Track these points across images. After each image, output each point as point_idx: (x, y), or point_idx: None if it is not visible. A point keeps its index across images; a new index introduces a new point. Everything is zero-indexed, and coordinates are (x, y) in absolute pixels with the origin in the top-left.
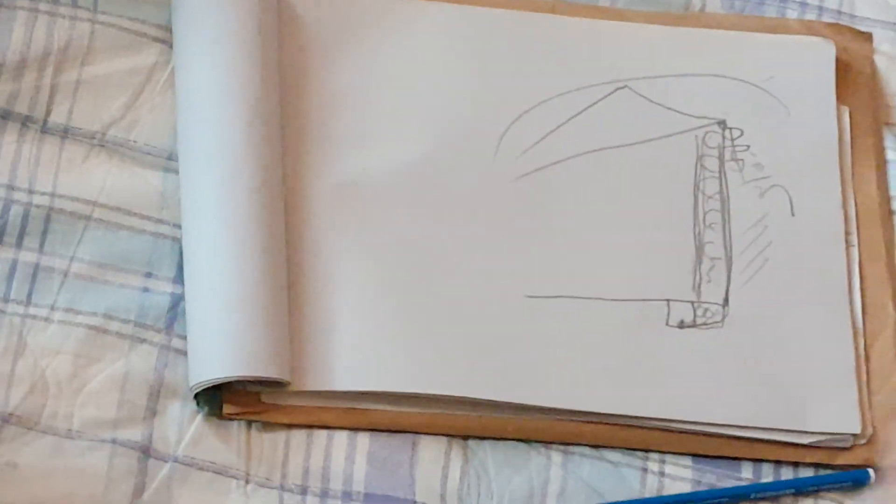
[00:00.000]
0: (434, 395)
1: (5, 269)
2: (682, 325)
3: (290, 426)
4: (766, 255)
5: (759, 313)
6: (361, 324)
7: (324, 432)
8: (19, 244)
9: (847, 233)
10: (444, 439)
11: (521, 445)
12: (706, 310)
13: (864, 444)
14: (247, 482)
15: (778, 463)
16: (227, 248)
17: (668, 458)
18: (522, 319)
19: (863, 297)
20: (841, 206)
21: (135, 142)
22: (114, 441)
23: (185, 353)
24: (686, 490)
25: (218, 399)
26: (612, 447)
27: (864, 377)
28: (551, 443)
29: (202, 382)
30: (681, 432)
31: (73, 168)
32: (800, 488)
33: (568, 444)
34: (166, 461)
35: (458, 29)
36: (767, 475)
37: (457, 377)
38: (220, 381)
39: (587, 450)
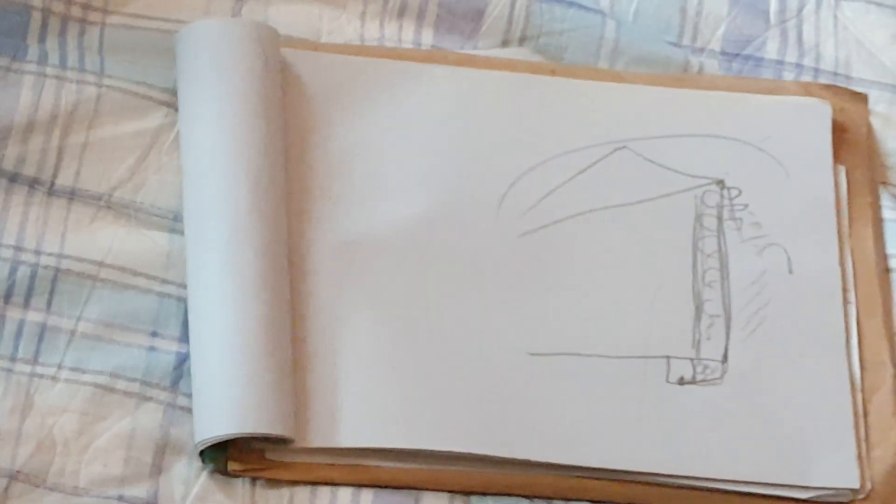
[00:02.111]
0: (437, 451)
1: (13, 329)
2: (681, 382)
3: (294, 483)
4: (765, 312)
5: (758, 370)
6: (365, 381)
7: (327, 489)
8: (27, 304)
9: (845, 290)
10: (446, 495)
11: (524, 501)
12: (706, 367)
13: (862, 500)
14: None
15: None
16: (231, 307)
17: None
18: (525, 376)
19: (861, 353)
20: (838, 263)
21: (141, 203)
22: (120, 498)
23: (190, 411)
24: None
25: (223, 456)
26: (614, 503)
27: (863, 432)
28: (554, 499)
29: (207, 439)
30: (682, 487)
31: (80, 229)
32: None
33: (570, 499)
34: None
35: (459, 91)
36: None
37: (460, 433)
38: (225, 439)
39: None
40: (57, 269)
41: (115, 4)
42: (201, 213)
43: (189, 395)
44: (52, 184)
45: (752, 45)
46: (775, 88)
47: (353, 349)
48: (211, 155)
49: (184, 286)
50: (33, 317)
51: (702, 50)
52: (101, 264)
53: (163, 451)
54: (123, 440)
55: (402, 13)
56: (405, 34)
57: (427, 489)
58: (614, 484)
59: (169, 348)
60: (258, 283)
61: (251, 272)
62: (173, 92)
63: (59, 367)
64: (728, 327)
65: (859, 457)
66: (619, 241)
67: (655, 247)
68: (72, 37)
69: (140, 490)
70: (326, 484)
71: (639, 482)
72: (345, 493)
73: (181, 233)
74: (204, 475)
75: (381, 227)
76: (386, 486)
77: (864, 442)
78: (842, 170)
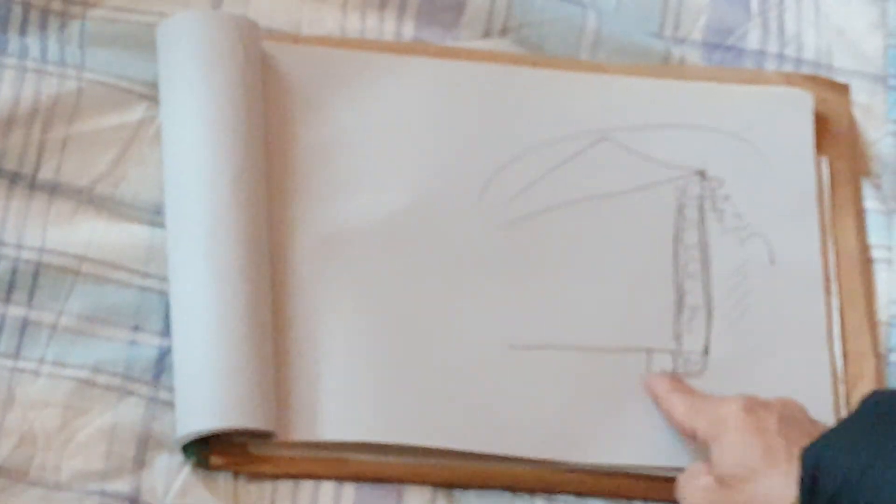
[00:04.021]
0: (419, 445)
1: None
2: None
3: (276, 476)
4: (747, 303)
5: (739, 361)
6: (346, 374)
7: (310, 482)
8: (8, 298)
9: (827, 281)
10: (429, 489)
11: (506, 494)
12: (687, 359)
13: None
14: None
15: None
16: (213, 301)
17: None
18: (505, 369)
19: (843, 343)
20: (820, 254)
21: (122, 197)
22: (102, 493)
23: (172, 405)
24: None
25: (205, 450)
26: (596, 495)
27: None
28: (536, 492)
29: (189, 434)
30: (665, 479)
31: (62, 223)
32: None
33: (553, 492)
34: None
35: (440, 82)
36: None
37: (441, 428)
38: (206, 433)
39: (571, 498)
40: (38, 263)
41: None
42: (182, 206)
43: (171, 389)
44: (34, 178)
45: (733, 36)
46: (757, 79)
47: (334, 342)
48: (192, 148)
49: (165, 280)
50: (14, 311)
51: (683, 41)
52: (82, 258)
53: (145, 445)
54: (105, 434)
55: (383, 5)
56: (386, 25)
57: (410, 483)
58: (597, 477)
59: (151, 342)
60: (239, 276)
61: (232, 265)
62: (154, 85)
63: (41, 361)
64: (709, 319)
65: None
66: (599, 232)
67: (636, 238)
68: (52, 30)
69: (122, 485)
70: (309, 478)
71: (622, 475)
72: (327, 487)
73: (162, 226)
74: (186, 469)
75: (361, 220)
76: (368, 480)
77: None
78: (824, 161)
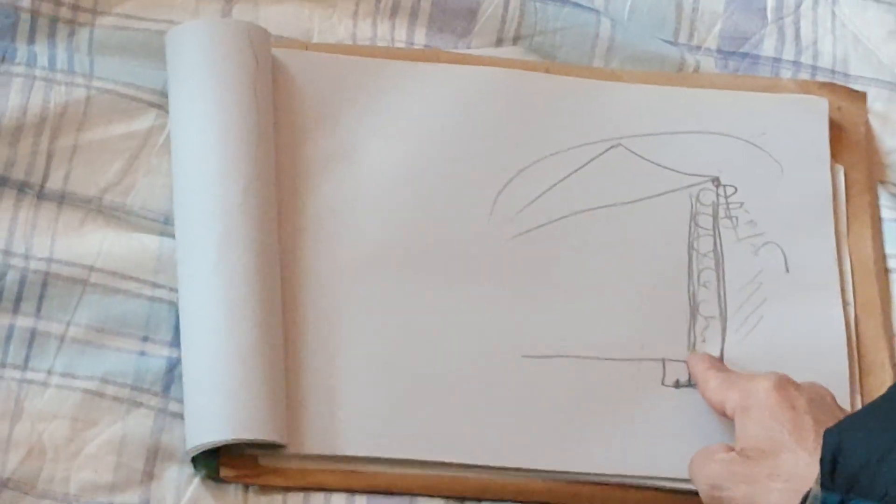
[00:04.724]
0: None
1: (2, 334)
2: (677, 385)
3: (287, 488)
4: (761, 312)
5: (754, 371)
6: (359, 387)
7: (321, 494)
8: (16, 309)
9: (843, 290)
10: (441, 501)
11: None
12: None
13: None
14: None
15: None
16: (223, 311)
17: None
18: (519, 380)
19: (859, 354)
20: (836, 262)
21: (131, 206)
22: None
23: (181, 417)
24: None
25: (215, 462)
26: None
27: None
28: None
29: (199, 445)
30: (678, 492)
31: (70, 233)
32: None
33: None
34: None
35: (452, 90)
36: None
37: (456, 442)
38: (216, 444)
39: None
40: (47, 274)
41: (105, 5)
42: (192, 215)
43: (180, 401)
44: (42, 187)
45: (748, 43)
46: (772, 87)
47: (347, 355)
48: (202, 157)
49: (175, 290)
50: (23, 322)
51: (698, 48)
52: (91, 268)
53: (154, 457)
54: (114, 446)
55: (394, 12)
56: (398, 33)
57: (422, 495)
58: (611, 489)
59: (160, 353)
60: (250, 286)
61: (243, 275)
62: (163, 93)
63: (49, 372)
64: (724, 328)
65: None
66: (613, 241)
67: (650, 247)
68: (61, 38)
69: (131, 497)
70: (320, 489)
71: (636, 486)
72: (338, 499)
73: (172, 236)
74: (196, 481)
75: (373, 230)
76: (380, 492)
77: None
78: (840, 170)
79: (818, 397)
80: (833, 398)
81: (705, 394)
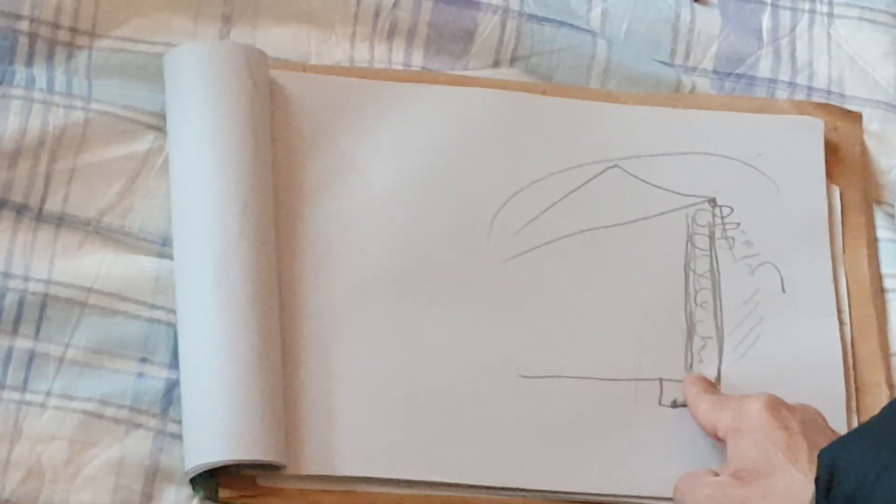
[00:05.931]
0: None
1: (1, 356)
2: (674, 405)
3: None
4: (758, 331)
5: (751, 390)
6: (358, 408)
7: None
8: (15, 331)
9: (839, 310)
10: None
11: None
12: None
13: None
14: None
15: None
16: (221, 332)
17: None
18: (516, 400)
19: (856, 374)
20: (832, 282)
21: (129, 228)
22: None
23: (180, 438)
24: None
25: (214, 483)
26: None
27: None
28: None
29: (198, 466)
30: None
31: (69, 255)
32: None
33: None
34: None
35: (449, 111)
36: None
37: (454, 462)
38: (215, 465)
39: None
40: (45, 296)
41: (103, 28)
42: (190, 237)
43: (179, 422)
44: (40, 209)
45: (744, 64)
46: (768, 107)
47: (345, 376)
48: (200, 179)
49: (173, 311)
50: (22, 343)
51: (694, 69)
52: (89, 290)
53: (153, 478)
54: (113, 468)
55: (391, 34)
56: (395, 55)
57: None
58: None
59: (158, 374)
60: (248, 307)
61: (241, 297)
62: (162, 116)
63: (48, 394)
64: (721, 348)
65: None
66: (609, 261)
67: (647, 267)
68: (59, 61)
69: None
70: None
71: None
72: None
73: (170, 258)
74: (194, 503)
75: (371, 250)
76: None
77: None
78: (836, 190)
79: (810, 418)
80: (824, 419)
81: (697, 416)
